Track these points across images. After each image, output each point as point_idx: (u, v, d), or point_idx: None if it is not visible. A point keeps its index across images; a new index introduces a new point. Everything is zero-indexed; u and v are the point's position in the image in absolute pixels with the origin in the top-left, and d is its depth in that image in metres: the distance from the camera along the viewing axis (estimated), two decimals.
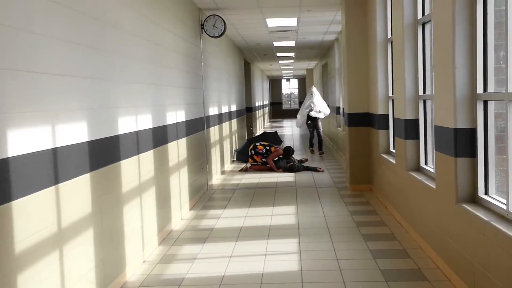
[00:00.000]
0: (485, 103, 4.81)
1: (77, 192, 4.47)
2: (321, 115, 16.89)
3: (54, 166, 4.01)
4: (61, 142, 4.15)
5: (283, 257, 6.24)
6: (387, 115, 8.97)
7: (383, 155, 8.89)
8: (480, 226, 4.40)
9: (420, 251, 6.14)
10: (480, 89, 4.83)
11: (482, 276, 4.40)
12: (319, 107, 16.83)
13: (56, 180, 4.04)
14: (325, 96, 22.35)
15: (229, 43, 16.29)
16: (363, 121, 10.22)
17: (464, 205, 4.81)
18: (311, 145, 17.43)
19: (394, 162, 7.94)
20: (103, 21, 5.25)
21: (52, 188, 3.98)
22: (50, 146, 3.97)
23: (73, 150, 4.38)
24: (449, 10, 5.04)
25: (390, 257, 6.04)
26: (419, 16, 6.88)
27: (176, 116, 8.21)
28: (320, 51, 22.01)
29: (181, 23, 9.01)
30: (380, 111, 9.14)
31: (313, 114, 16.58)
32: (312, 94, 16.98)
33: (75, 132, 4.45)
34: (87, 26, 4.83)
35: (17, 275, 3.55)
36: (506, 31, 4.18)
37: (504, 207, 4.26)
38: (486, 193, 4.81)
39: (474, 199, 4.90)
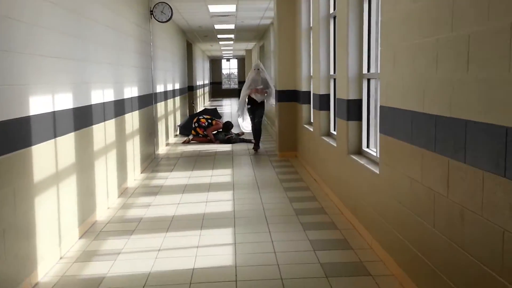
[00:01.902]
0: (368, 81, 6.53)
1: (66, 145, 5.92)
2: (269, 99, 12.78)
3: (53, 123, 5.47)
4: (57, 108, 5.61)
5: (221, 202, 7.83)
6: (309, 92, 10.56)
7: (305, 125, 10.59)
8: (360, 168, 6.13)
9: (326, 197, 7.84)
10: (365, 70, 6.56)
11: (358, 204, 6.09)
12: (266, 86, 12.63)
13: (55, 135, 5.52)
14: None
15: (173, 26, 17.19)
16: (291, 97, 11.72)
17: (352, 156, 6.54)
18: (256, 145, 12.95)
19: (312, 130, 9.65)
20: (81, 14, 6.58)
21: (52, 140, 5.44)
22: (51, 110, 5.44)
23: (64, 113, 5.84)
24: (344, 10, 6.74)
25: (303, 201, 7.71)
26: (331, 11, 8.50)
27: (131, 91, 9.56)
28: (257, 34, 22.82)
29: (134, 10, 10.28)
30: (303, 88, 10.77)
31: (257, 97, 12.53)
32: (257, 70, 12.65)
33: (65, 101, 5.87)
34: (70, 19, 6.20)
35: (34, 207, 4.99)
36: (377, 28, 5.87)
37: (375, 154, 5.99)
38: (368, 147, 6.55)
39: (360, 151, 6.65)
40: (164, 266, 5.28)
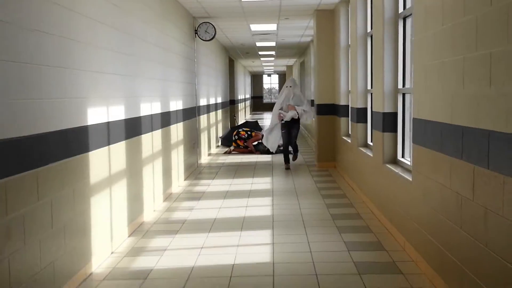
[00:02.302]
0: (403, 95, 6.75)
1: (118, 152, 6.32)
2: (304, 116, 11.85)
3: (107, 132, 5.87)
4: (111, 118, 6.01)
5: (260, 207, 8.12)
6: (347, 105, 10.81)
7: (343, 137, 10.83)
8: (395, 176, 6.34)
9: (362, 204, 8.08)
10: (400, 85, 6.79)
11: (392, 209, 6.32)
12: (298, 103, 11.82)
13: (108, 142, 5.91)
14: (302, 91, 23.62)
15: (216, 44, 17.58)
16: (329, 110, 12.03)
17: (387, 165, 6.76)
18: (287, 159, 11.99)
19: (349, 141, 9.90)
20: (132, 34, 7.02)
21: (106, 147, 5.84)
22: (105, 120, 5.82)
23: (116, 124, 6.23)
24: (380, 30, 7.01)
25: (339, 207, 7.96)
26: (368, 30, 8.77)
27: (176, 105, 9.98)
28: (298, 51, 22.99)
29: (180, 30, 10.73)
30: (342, 102, 11.05)
31: (287, 116, 11.66)
32: (287, 86, 12.01)
33: (117, 112, 6.28)
34: (123, 39, 6.62)
35: (91, 206, 5.38)
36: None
37: (409, 163, 6.20)
38: (403, 156, 6.76)
39: (395, 161, 6.86)
40: (207, 262, 5.60)
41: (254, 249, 6.07)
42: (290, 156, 12.26)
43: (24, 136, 4.05)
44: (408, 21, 6.46)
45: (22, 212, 4.00)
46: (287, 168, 11.64)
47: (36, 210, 4.23)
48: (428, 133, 4.96)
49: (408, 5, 6.40)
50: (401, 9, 6.71)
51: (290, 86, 11.83)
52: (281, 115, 11.30)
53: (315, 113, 12.45)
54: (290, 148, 12.27)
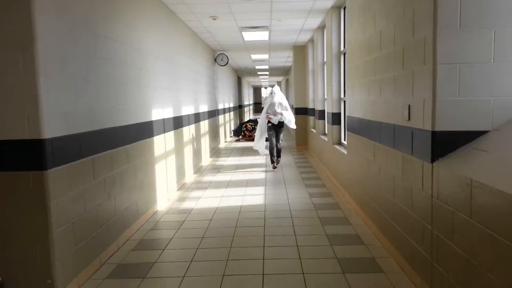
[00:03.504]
0: (344, 102, 7.57)
1: (170, 138, 7.05)
2: (287, 119, 9.17)
3: (163, 125, 6.68)
4: (165, 116, 6.82)
5: (258, 173, 8.80)
6: (313, 108, 11.51)
7: (311, 129, 11.60)
8: (338, 152, 7.18)
9: (321, 170, 8.84)
10: (342, 95, 7.60)
11: (337, 171, 7.10)
12: (282, 108, 9.23)
13: (164, 131, 6.71)
14: (288, 98, 24.12)
15: (229, 67, 17.88)
16: (303, 111, 12.62)
17: (335, 145, 7.58)
18: (273, 160, 9.37)
19: (314, 131, 10.68)
20: (174, 62, 7.67)
21: (162, 134, 6.62)
22: (161, 117, 6.64)
23: (169, 120, 7.05)
24: (330, 61, 7.81)
25: (308, 173, 8.63)
26: (325, 60, 9.51)
27: (203, 108, 10.65)
28: (284, 71, 23.03)
29: (205, 58, 11.33)
30: (310, 106, 11.76)
31: (273, 119, 9.15)
32: (272, 94, 9.30)
33: (168, 113, 7.03)
34: (168, 65, 7.33)
35: (155, 171, 6.08)
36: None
37: (346, 144, 7.03)
38: (344, 140, 7.56)
39: (339, 142, 7.68)
40: (225, 204, 6.30)
41: (254, 198, 6.60)
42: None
43: (118, 126, 4.58)
44: (344, 56, 7.18)
45: (120, 170, 4.57)
46: (274, 168, 9.29)
47: (127, 170, 4.80)
48: (354, 124, 5.64)
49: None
50: (342, 48, 7.52)
51: (274, 93, 9.21)
52: (269, 116, 9.06)
53: (294, 113, 13.08)
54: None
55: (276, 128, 9.29)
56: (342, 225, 5.11)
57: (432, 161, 3.01)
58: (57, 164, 3.31)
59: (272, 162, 9.39)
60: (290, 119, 9.16)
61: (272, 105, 9.16)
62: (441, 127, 2.95)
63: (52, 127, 3.25)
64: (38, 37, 3.12)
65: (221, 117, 14.62)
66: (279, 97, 9.22)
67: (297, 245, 4.44)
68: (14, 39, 3.07)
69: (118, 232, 4.58)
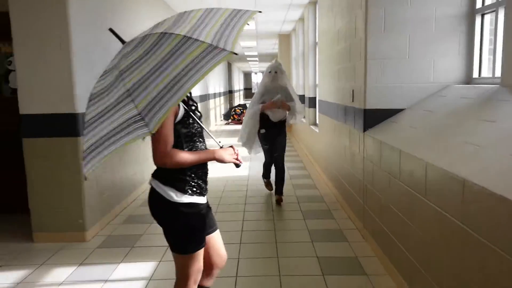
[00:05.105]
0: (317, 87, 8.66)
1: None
2: (295, 118, 5.47)
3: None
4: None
5: (244, 151, 9.92)
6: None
7: None
8: (313, 131, 8.27)
9: (299, 147, 9.99)
10: (317, 82, 8.67)
11: (313, 148, 8.24)
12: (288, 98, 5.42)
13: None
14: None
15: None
16: None
17: (311, 126, 8.68)
18: (267, 175, 5.93)
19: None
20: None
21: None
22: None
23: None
24: (307, 50, 8.88)
25: (290, 151, 9.62)
26: (305, 50, 10.59)
27: (195, 92, 11.78)
28: (272, 57, 23.10)
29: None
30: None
31: (273, 115, 5.38)
32: (271, 74, 5.37)
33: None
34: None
35: None
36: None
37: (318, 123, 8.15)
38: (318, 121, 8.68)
39: (315, 123, 8.78)
40: (214, 176, 7.32)
41: (239, 170, 7.65)
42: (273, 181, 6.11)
43: None
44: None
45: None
46: (268, 185, 6.05)
47: (134, 144, 6.02)
48: (324, 107, 6.68)
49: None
50: (317, 40, 8.58)
51: (276, 72, 5.42)
52: (270, 106, 5.31)
53: None
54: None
55: (274, 134, 5.49)
56: (311, 189, 6.26)
57: (364, 131, 4.15)
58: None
59: (268, 184, 5.99)
60: (300, 111, 5.45)
61: (268, 91, 5.41)
62: (370, 106, 4.07)
63: (82, 104, 4.33)
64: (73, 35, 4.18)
65: (211, 101, 15.19)
66: (283, 80, 5.43)
67: (272, 204, 5.59)
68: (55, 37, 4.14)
69: (129, 191, 5.69)
